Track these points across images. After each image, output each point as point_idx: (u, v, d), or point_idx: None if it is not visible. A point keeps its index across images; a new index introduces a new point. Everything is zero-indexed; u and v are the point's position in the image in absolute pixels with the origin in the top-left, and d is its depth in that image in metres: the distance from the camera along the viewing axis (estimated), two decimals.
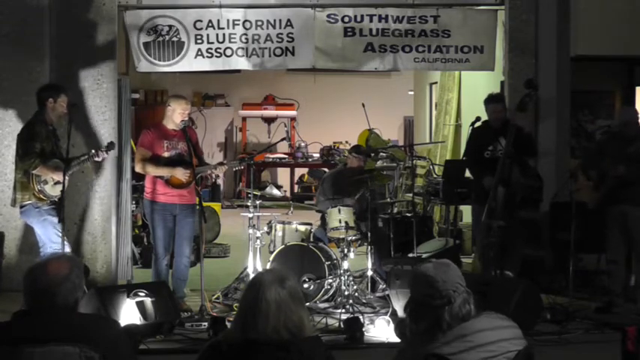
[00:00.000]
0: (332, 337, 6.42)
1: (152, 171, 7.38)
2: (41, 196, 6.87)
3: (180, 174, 7.29)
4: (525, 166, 7.77)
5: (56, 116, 7.08)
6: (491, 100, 7.87)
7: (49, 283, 3.16)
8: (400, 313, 6.85)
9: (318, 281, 7.59)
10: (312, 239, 8.08)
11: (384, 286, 7.59)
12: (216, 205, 11.60)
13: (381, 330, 6.58)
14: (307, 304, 6.98)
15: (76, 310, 3.23)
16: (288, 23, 8.47)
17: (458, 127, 11.93)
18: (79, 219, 8.28)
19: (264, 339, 2.90)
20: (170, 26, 8.43)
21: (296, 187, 17.15)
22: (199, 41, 8.46)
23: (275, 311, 2.90)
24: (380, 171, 9.60)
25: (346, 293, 7.35)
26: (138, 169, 7.54)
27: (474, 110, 9.09)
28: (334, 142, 16.24)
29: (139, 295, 6.53)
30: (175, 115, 7.38)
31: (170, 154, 7.38)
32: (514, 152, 7.45)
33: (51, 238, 6.89)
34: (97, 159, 7.29)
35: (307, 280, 7.59)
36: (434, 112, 13.52)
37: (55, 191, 6.87)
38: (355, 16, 8.50)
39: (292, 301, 2.94)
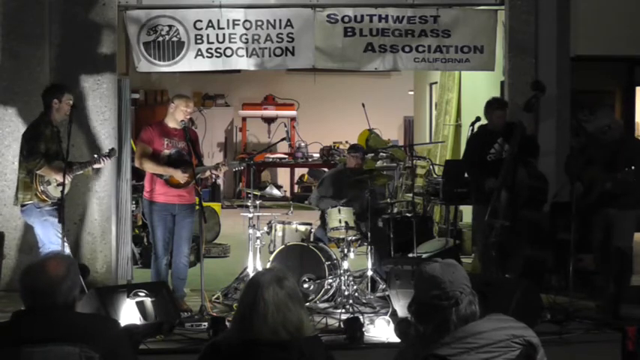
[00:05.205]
0: (332, 337, 6.41)
1: (150, 168, 7.37)
2: (44, 196, 6.86)
3: (179, 176, 7.29)
4: (531, 167, 7.74)
5: (62, 115, 7.06)
6: (497, 107, 7.81)
7: (50, 283, 3.16)
8: (400, 313, 6.86)
9: (318, 281, 7.59)
10: (312, 239, 8.08)
11: (384, 286, 7.58)
12: (216, 205, 11.60)
13: (381, 330, 6.58)
14: (307, 304, 7.03)
15: (75, 309, 3.23)
16: (288, 23, 8.47)
17: (458, 127, 11.93)
18: (78, 219, 8.27)
19: (264, 339, 2.90)
20: (170, 26, 8.43)
21: (296, 187, 17.16)
22: (199, 41, 8.45)
23: (273, 312, 2.90)
24: (380, 171, 9.60)
25: (346, 293, 7.35)
26: (137, 164, 7.53)
27: (474, 110, 9.08)
28: (334, 142, 16.23)
29: (139, 295, 6.53)
30: (178, 112, 7.37)
31: (170, 152, 7.38)
32: (518, 152, 7.42)
33: (50, 239, 6.88)
34: (97, 165, 7.29)
35: (307, 280, 7.58)
36: (434, 112, 13.52)
37: (57, 192, 6.85)
38: (355, 16, 8.50)
39: (291, 301, 2.94)
